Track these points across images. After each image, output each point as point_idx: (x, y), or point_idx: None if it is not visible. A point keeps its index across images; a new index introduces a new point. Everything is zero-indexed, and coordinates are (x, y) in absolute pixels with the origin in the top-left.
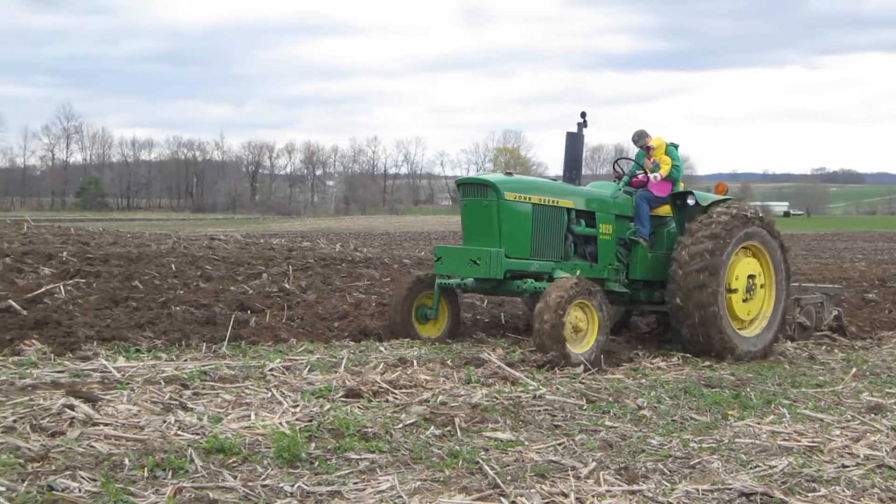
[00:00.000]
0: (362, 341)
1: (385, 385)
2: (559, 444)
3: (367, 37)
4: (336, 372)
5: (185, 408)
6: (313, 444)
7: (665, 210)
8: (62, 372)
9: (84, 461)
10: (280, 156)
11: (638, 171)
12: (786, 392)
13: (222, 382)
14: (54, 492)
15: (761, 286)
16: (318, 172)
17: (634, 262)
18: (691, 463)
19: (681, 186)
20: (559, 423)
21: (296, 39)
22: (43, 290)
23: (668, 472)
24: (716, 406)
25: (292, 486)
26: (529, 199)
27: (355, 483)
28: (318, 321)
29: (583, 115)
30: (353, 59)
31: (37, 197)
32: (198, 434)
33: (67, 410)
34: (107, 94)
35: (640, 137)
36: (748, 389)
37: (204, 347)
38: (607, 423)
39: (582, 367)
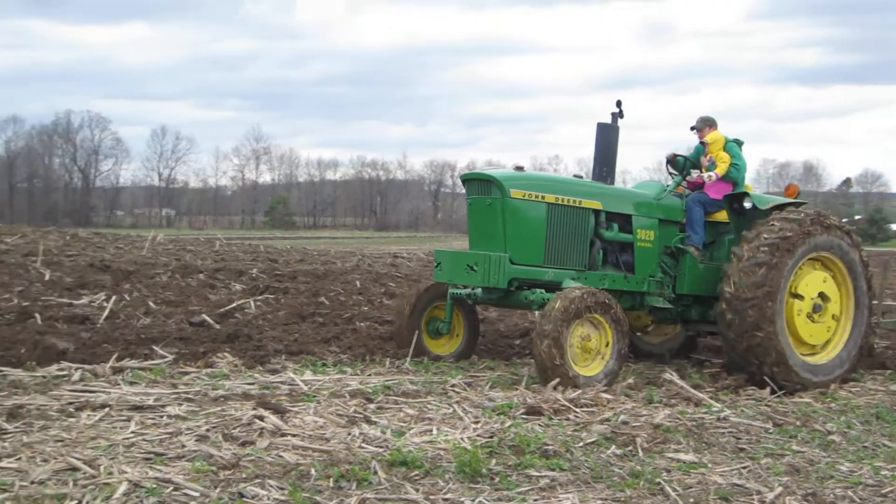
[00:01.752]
0: None
1: (566, 403)
2: (743, 468)
3: (548, 56)
4: (517, 389)
5: (369, 421)
6: (494, 461)
7: (724, 215)
8: (252, 384)
9: (272, 470)
10: None
11: (693, 171)
12: None
13: (405, 397)
14: (244, 499)
15: (835, 305)
16: None
17: (682, 274)
18: (883, 491)
19: (748, 189)
20: (744, 446)
21: (477, 59)
22: (234, 305)
23: (859, 500)
24: None
25: (473, 500)
26: (543, 197)
27: (535, 500)
28: (500, 338)
29: (618, 103)
30: (533, 77)
31: (227, 216)
32: (381, 447)
33: (257, 421)
34: (294, 116)
35: (702, 123)
36: None
37: (388, 363)
38: (794, 447)
39: (769, 389)
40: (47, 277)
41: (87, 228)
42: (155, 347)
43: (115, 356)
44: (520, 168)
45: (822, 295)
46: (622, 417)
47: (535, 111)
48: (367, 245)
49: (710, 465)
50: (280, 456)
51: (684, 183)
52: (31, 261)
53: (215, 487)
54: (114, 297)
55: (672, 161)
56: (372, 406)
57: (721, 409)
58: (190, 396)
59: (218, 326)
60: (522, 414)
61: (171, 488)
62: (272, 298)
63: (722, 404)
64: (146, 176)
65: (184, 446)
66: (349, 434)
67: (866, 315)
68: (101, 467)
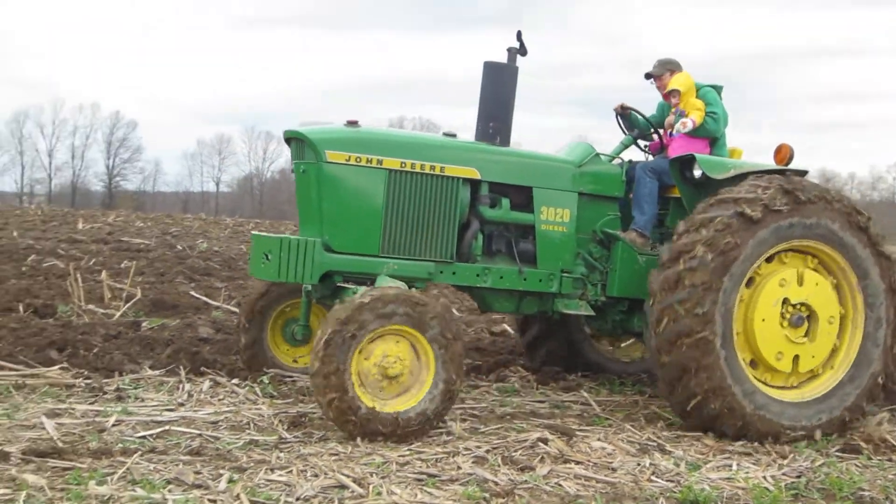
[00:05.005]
0: None
1: (891, 441)
2: None
3: (891, 58)
4: None
5: (662, 450)
6: None
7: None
8: (542, 402)
9: (548, 501)
10: None
11: (651, 131)
12: None
13: None
14: None
15: (830, 319)
16: None
17: (612, 271)
18: None
19: (732, 154)
20: None
21: (818, 62)
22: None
23: None
24: None
25: None
26: (380, 162)
27: None
28: None
29: (518, 35)
30: (879, 81)
31: None
32: (672, 482)
33: (540, 444)
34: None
35: (661, 67)
36: None
37: None
38: None
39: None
40: None
41: None
42: None
43: None
44: (353, 123)
45: (805, 304)
46: None
47: (880, 116)
48: None
49: None
50: (559, 485)
51: (643, 146)
52: None
53: None
54: None
55: (623, 115)
56: (667, 433)
57: None
58: (475, 413)
59: (519, 336)
60: (837, 451)
61: None
62: None
63: None
64: None
65: (459, 468)
66: (638, 464)
67: (888, 334)
68: (371, 486)
